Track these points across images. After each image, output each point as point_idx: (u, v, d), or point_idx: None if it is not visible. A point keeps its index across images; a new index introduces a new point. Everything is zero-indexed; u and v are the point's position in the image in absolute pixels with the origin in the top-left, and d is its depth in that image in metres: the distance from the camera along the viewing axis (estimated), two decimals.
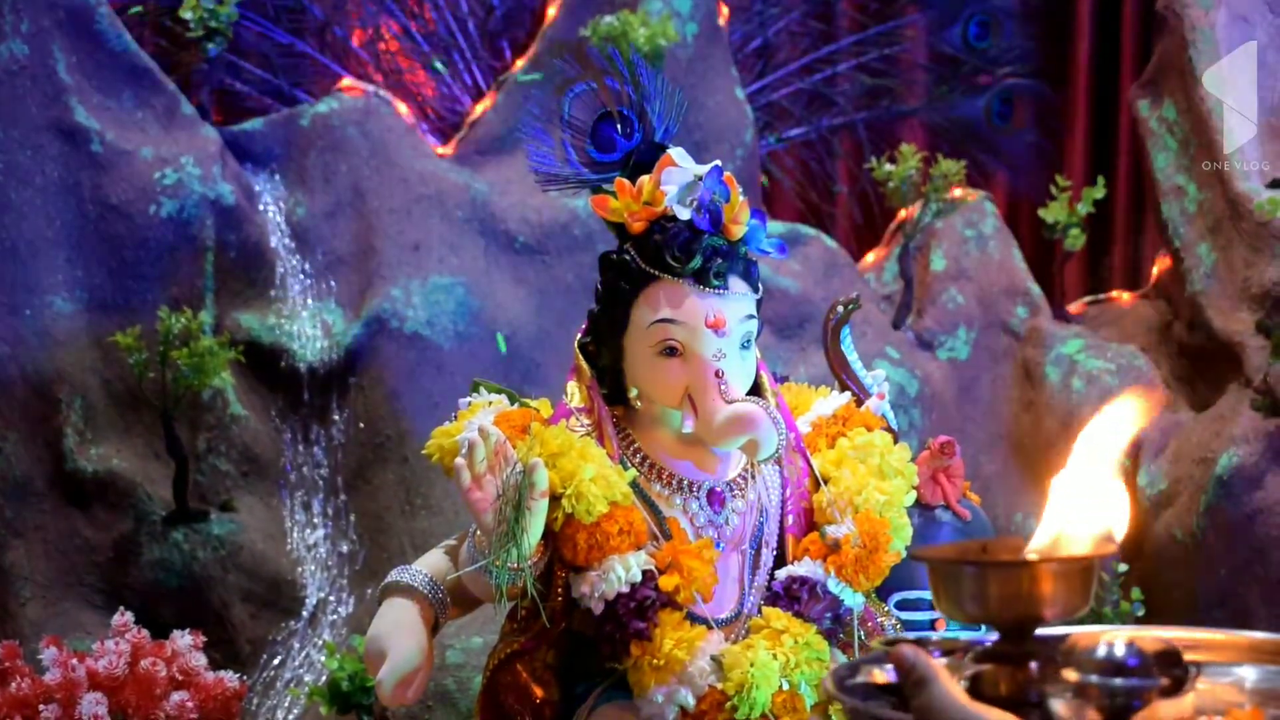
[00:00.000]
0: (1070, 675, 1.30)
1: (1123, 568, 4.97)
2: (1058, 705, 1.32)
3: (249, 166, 5.43)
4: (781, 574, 2.56)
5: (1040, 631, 1.43)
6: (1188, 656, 1.43)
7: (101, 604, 4.71)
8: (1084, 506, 1.46)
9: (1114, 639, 1.29)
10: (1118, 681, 1.27)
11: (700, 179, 2.48)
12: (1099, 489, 1.47)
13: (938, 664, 1.32)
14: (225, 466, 4.95)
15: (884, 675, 1.41)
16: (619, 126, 2.60)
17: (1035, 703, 1.36)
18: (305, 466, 5.11)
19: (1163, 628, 1.56)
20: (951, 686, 1.30)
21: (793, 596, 2.51)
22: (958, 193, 5.79)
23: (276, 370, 5.08)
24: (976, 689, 1.40)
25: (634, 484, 2.51)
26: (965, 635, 1.59)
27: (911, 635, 1.61)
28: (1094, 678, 1.28)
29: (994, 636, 1.46)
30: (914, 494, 2.65)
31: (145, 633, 3.99)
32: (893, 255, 6.03)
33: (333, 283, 5.27)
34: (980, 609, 1.44)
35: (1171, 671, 1.30)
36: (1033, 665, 1.40)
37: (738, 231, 2.50)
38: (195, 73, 5.70)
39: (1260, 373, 4.91)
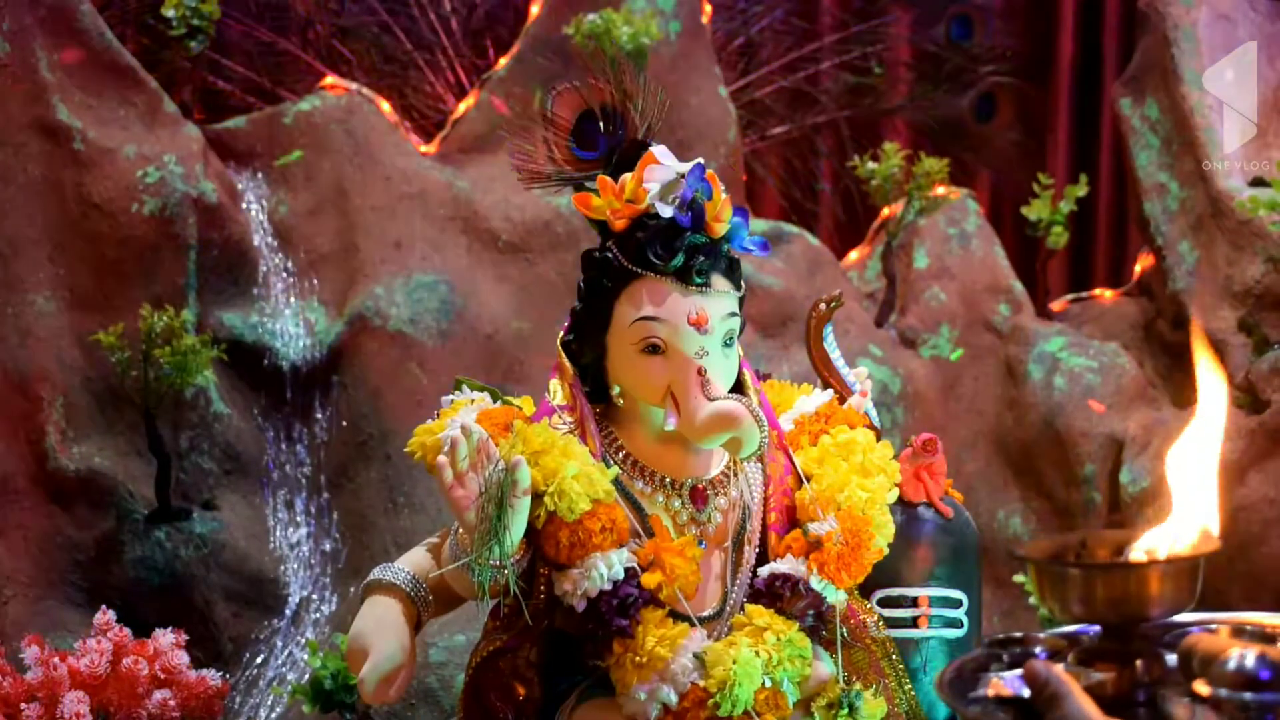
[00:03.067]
0: (1201, 689, 1.30)
1: None
2: (1177, 709, 1.32)
3: (231, 164, 5.42)
4: (764, 571, 2.56)
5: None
6: None
7: (83, 602, 4.70)
8: (1184, 505, 1.46)
9: (1245, 652, 1.29)
10: (1251, 697, 1.27)
11: (683, 177, 2.48)
12: (1200, 488, 1.47)
13: (1070, 678, 1.32)
14: (208, 465, 4.94)
15: (1006, 688, 1.42)
16: (602, 124, 2.60)
17: (1143, 702, 1.37)
18: (288, 465, 5.10)
19: (1268, 614, 1.55)
20: (1085, 702, 1.30)
21: (775, 594, 2.51)
22: (940, 191, 5.79)
23: (259, 368, 5.08)
24: (1087, 691, 1.39)
25: (616, 481, 2.51)
26: (1062, 632, 1.58)
27: (1017, 635, 1.59)
28: (1226, 692, 1.28)
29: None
30: (896, 491, 2.65)
31: (127, 631, 3.98)
32: (876, 253, 6.04)
33: (315, 281, 5.26)
34: (1087, 610, 1.44)
35: None
36: (1139, 663, 1.41)
37: (720, 229, 2.50)
38: (178, 71, 5.69)
39: (1242, 370, 4.92)
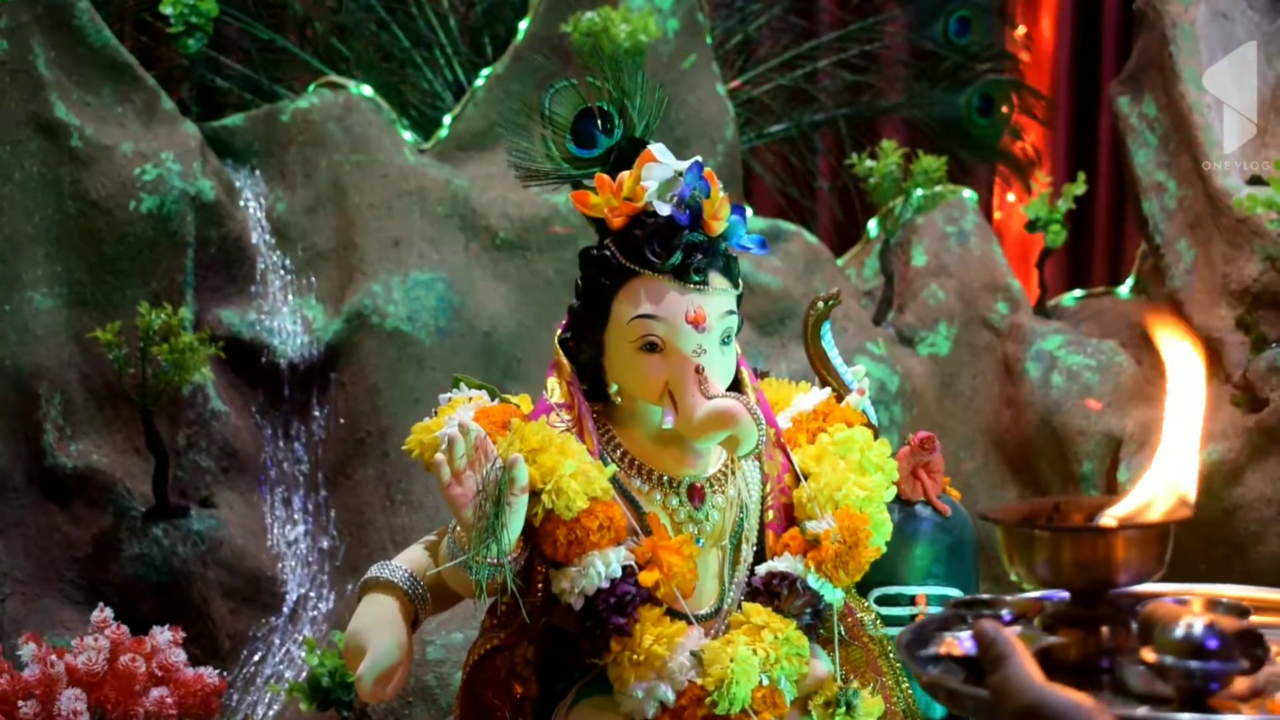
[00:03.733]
0: (1148, 655, 1.30)
1: None
2: (1131, 676, 1.32)
3: (229, 162, 5.42)
4: (761, 569, 2.56)
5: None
6: (1267, 618, 1.48)
7: (81, 600, 4.70)
8: (1160, 472, 1.46)
9: (1193, 620, 1.28)
10: (1195, 665, 1.27)
11: (681, 175, 2.48)
12: (1179, 454, 1.47)
13: (1016, 640, 1.32)
14: (205, 462, 4.94)
15: (959, 647, 1.41)
16: (600, 122, 2.60)
17: (1107, 669, 1.37)
18: (286, 462, 5.10)
19: (1246, 588, 1.56)
20: (1028, 664, 1.29)
21: (772, 592, 2.52)
22: (939, 189, 5.79)
23: (257, 366, 5.08)
24: (1048, 655, 1.40)
25: (614, 479, 2.51)
26: (1032, 596, 1.57)
27: (985, 597, 1.60)
28: (1171, 659, 1.28)
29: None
30: (894, 490, 2.65)
31: (125, 629, 3.98)
32: (873, 251, 6.04)
33: (313, 278, 5.26)
34: (1054, 574, 1.44)
35: (1252, 652, 1.29)
36: (1104, 630, 1.41)
37: (718, 227, 2.50)
38: (175, 68, 5.70)
39: (1240, 368, 4.92)
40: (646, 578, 2.45)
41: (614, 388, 2.56)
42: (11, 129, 4.91)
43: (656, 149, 2.53)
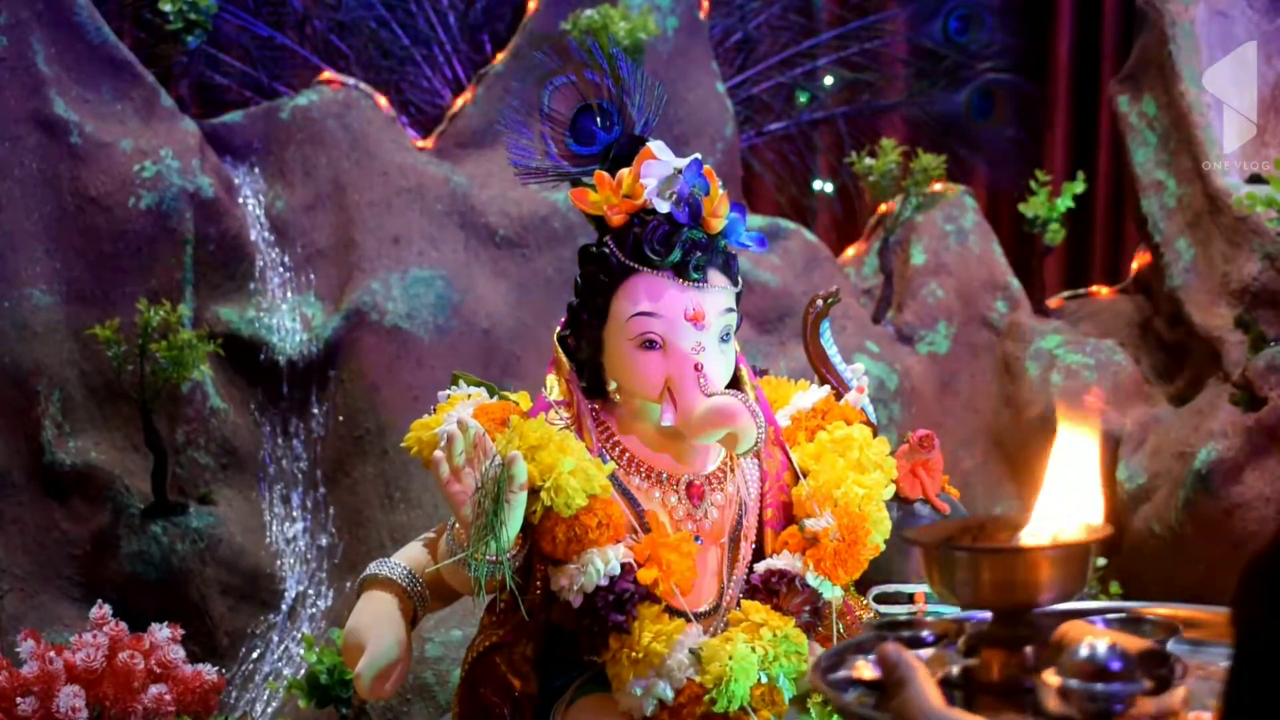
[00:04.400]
0: (1051, 679, 1.29)
1: (1101, 561, 4.98)
2: (1049, 697, 1.31)
3: (228, 159, 5.41)
4: (760, 567, 2.56)
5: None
6: (1190, 634, 1.46)
7: (80, 597, 4.70)
8: (1071, 495, 1.46)
9: (1096, 641, 1.28)
10: (1099, 687, 1.26)
11: (680, 172, 2.48)
12: (1083, 481, 1.47)
13: (919, 664, 1.32)
14: (204, 459, 4.94)
15: (869, 671, 1.41)
16: (599, 120, 2.60)
17: (1029, 689, 1.36)
18: (284, 460, 5.10)
19: (1170, 605, 1.55)
20: (929, 688, 1.30)
21: (771, 590, 2.52)
22: (938, 187, 5.79)
23: (256, 363, 5.07)
24: (971, 676, 1.41)
25: (613, 477, 2.51)
26: (953, 613, 1.58)
27: (903, 616, 1.61)
28: (1074, 682, 1.27)
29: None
30: (893, 488, 2.65)
31: (123, 625, 3.98)
32: (873, 249, 6.04)
33: (312, 276, 5.26)
34: (974, 594, 1.43)
35: (1156, 672, 1.29)
36: (1027, 650, 1.40)
37: (717, 225, 2.50)
38: (175, 65, 5.69)
39: (1239, 367, 4.92)
40: (645, 575, 2.45)
41: (613, 385, 2.57)
42: (10, 126, 4.91)
43: (656, 146, 2.53)
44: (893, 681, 1.32)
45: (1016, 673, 1.40)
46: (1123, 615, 1.50)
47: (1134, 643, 1.31)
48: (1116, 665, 1.26)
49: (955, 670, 1.42)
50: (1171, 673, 1.30)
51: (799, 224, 6.19)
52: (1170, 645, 1.40)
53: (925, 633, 1.52)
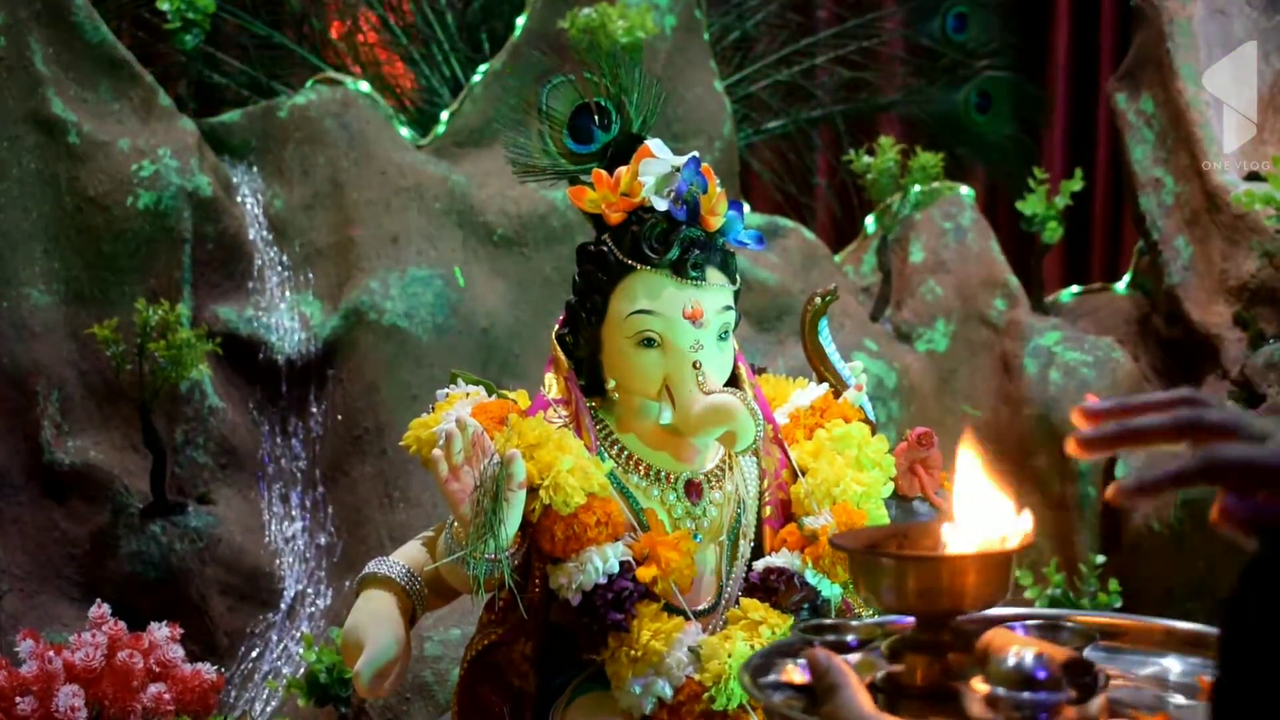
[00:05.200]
0: (980, 687, 1.31)
1: (1100, 559, 4.99)
2: (972, 703, 1.33)
3: (227, 158, 5.42)
4: (759, 565, 2.56)
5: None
6: (1113, 644, 1.51)
7: (79, 596, 4.70)
8: (995, 504, 1.48)
9: (1023, 650, 1.30)
10: (1025, 695, 1.28)
11: (678, 170, 2.48)
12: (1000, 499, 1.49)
13: (849, 670, 1.33)
14: (203, 459, 4.94)
15: (800, 674, 1.43)
16: (597, 118, 2.60)
17: (953, 694, 1.38)
18: (283, 459, 5.10)
19: (1093, 613, 1.58)
20: (860, 694, 1.30)
21: (770, 588, 2.51)
22: (936, 185, 5.79)
23: (254, 362, 5.08)
24: (895, 681, 1.42)
25: (611, 475, 2.51)
26: (880, 621, 1.59)
27: (829, 621, 1.62)
28: (1001, 691, 1.29)
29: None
30: (891, 485, 2.65)
31: (122, 625, 3.98)
32: (871, 247, 6.04)
33: (311, 275, 5.26)
34: (899, 601, 1.44)
35: (1080, 681, 1.31)
36: (950, 656, 1.42)
37: (715, 223, 2.50)
38: (173, 64, 5.70)
39: (1238, 364, 4.93)
40: (644, 573, 2.44)
41: (611, 383, 2.56)
42: (9, 125, 4.91)
43: (654, 144, 2.53)
44: (824, 687, 1.33)
45: (939, 678, 1.41)
46: (1041, 622, 1.52)
47: (1059, 652, 1.33)
48: (1042, 674, 1.28)
49: (880, 675, 1.43)
50: (1094, 681, 1.32)
51: (797, 222, 6.20)
52: (1087, 652, 1.43)
53: (850, 637, 1.54)
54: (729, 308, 2.53)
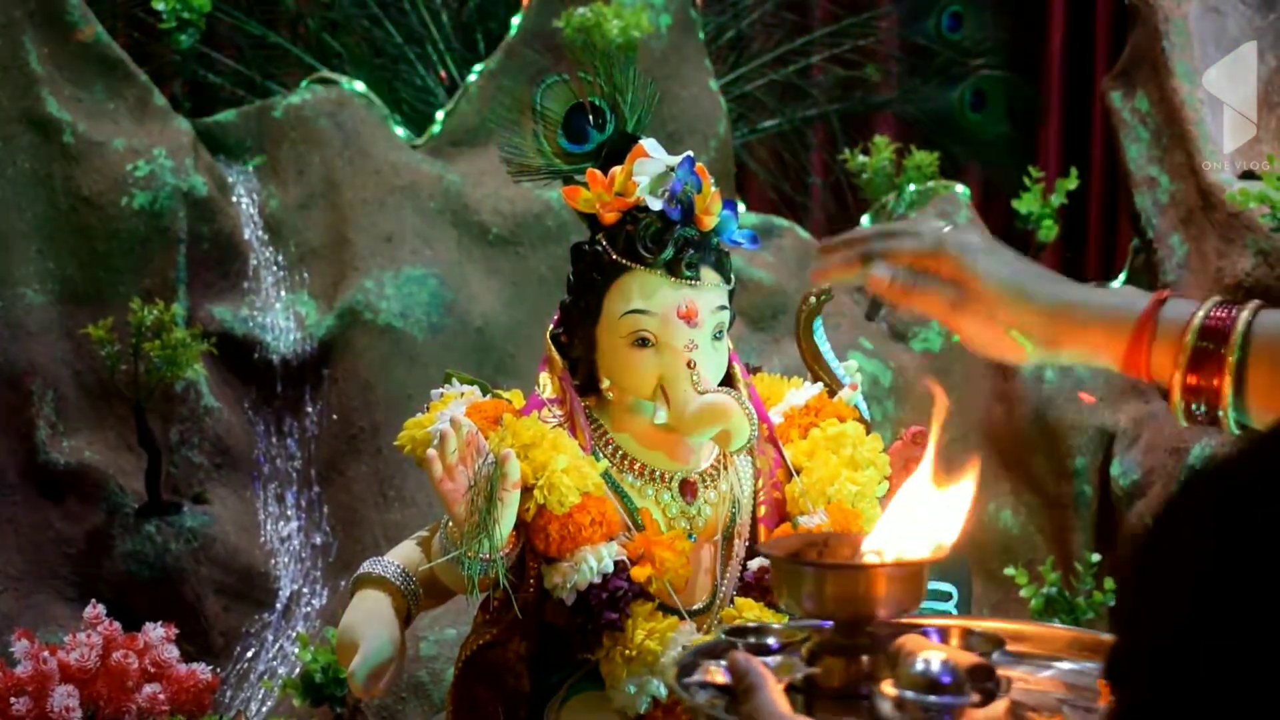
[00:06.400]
0: (889, 690, 1.36)
1: (1096, 558, 4.99)
2: (884, 705, 1.38)
3: (222, 158, 5.42)
4: (754, 564, 2.56)
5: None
6: (1014, 648, 1.59)
7: (74, 596, 4.70)
8: (920, 514, 1.55)
9: (930, 655, 1.35)
10: (931, 699, 1.33)
11: (673, 170, 2.47)
12: (936, 501, 1.54)
13: (768, 673, 1.38)
14: (198, 459, 4.94)
15: (722, 675, 1.48)
16: (591, 117, 2.60)
17: (866, 695, 1.44)
18: (278, 458, 5.10)
19: (994, 620, 1.66)
20: (777, 696, 1.35)
21: (765, 587, 2.51)
22: (931, 184, 5.79)
23: (249, 362, 5.08)
24: (813, 683, 1.48)
25: (606, 475, 2.51)
26: (800, 624, 1.65)
27: (752, 625, 1.69)
28: (909, 693, 1.34)
29: None
30: (886, 485, 2.65)
31: (117, 625, 3.98)
32: None
33: (306, 274, 5.26)
34: (818, 606, 1.51)
35: (984, 685, 1.37)
36: (865, 659, 1.48)
37: (710, 222, 2.49)
38: (168, 64, 5.70)
39: None
40: (639, 573, 2.44)
41: (606, 383, 2.56)
42: (3, 125, 4.92)
43: (648, 144, 2.52)
44: (743, 688, 1.38)
45: (854, 680, 1.48)
46: (949, 628, 1.58)
47: (964, 658, 1.39)
48: (947, 679, 1.34)
49: (798, 676, 1.49)
50: (997, 686, 1.38)
51: (792, 221, 6.20)
52: (996, 657, 1.50)
53: (771, 640, 1.60)
54: (724, 307, 2.52)
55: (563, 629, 2.54)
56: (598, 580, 2.43)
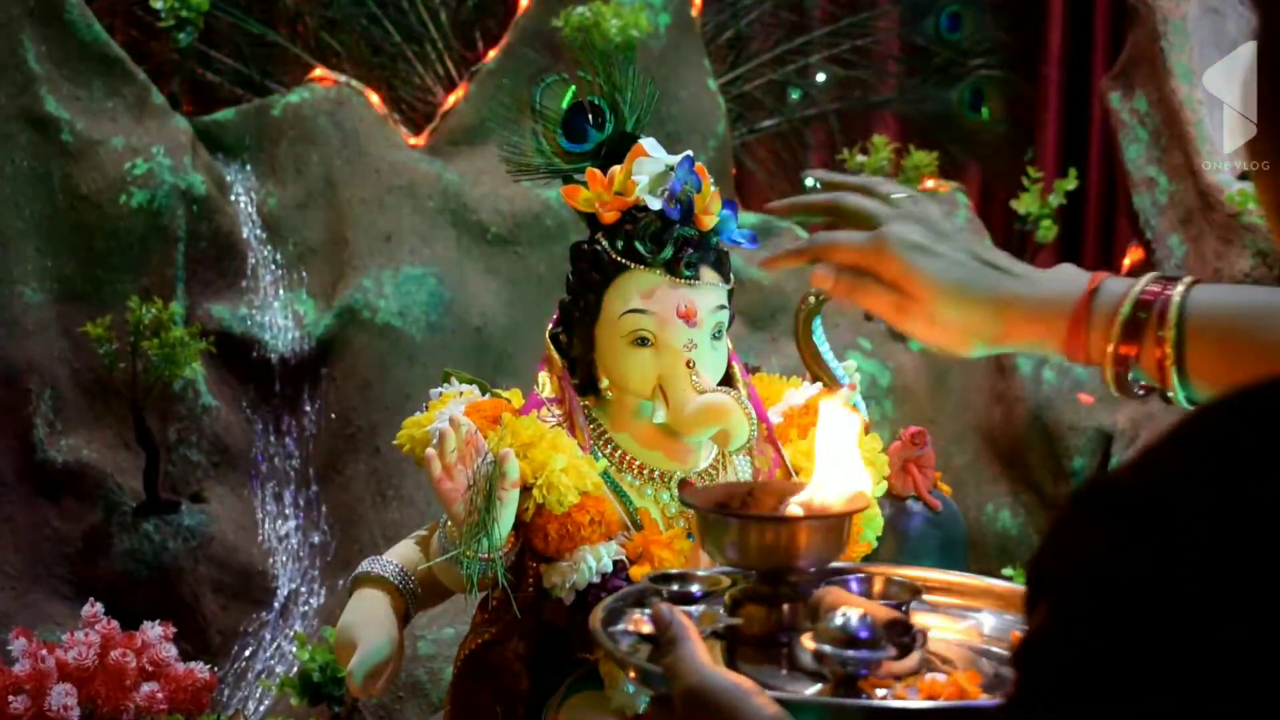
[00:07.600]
0: (808, 644, 1.40)
1: None
2: (802, 654, 1.43)
3: (220, 157, 5.42)
4: None
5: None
6: (937, 598, 1.67)
7: (71, 595, 4.70)
8: (841, 469, 1.61)
9: (849, 610, 1.39)
10: (849, 653, 1.37)
11: (672, 169, 2.47)
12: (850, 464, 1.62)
13: (690, 625, 1.42)
14: (196, 457, 4.94)
15: (647, 625, 1.51)
16: (591, 117, 2.60)
17: (785, 643, 1.50)
18: (276, 457, 5.10)
19: (919, 569, 1.75)
20: (699, 647, 1.39)
21: None
22: (930, 184, 5.79)
23: (248, 361, 5.08)
24: (735, 631, 1.54)
25: (605, 474, 2.51)
26: (722, 571, 1.69)
27: (675, 572, 1.71)
28: (828, 647, 1.38)
29: None
30: (885, 484, 2.65)
31: (115, 624, 3.98)
32: None
33: (304, 273, 5.26)
34: (741, 556, 1.57)
35: (900, 640, 1.41)
36: (785, 608, 1.54)
37: (709, 222, 2.49)
38: (166, 62, 5.69)
39: None
40: (638, 573, 2.44)
41: (605, 382, 2.56)
42: (2, 123, 4.91)
43: (647, 143, 2.52)
44: (666, 639, 1.41)
45: (775, 628, 1.55)
46: (870, 577, 1.65)
47: (882, 612, 1.43)
48: (865, 634, 1.38)
49: (720, 625, 1.54)
50: (913, 640, 1.43)
51: (791, 221, 6.19)
52: (915, 605, 1.58)
53: (694, 587, 1.64)
54: (723, 307, 2.52)
55: (562, 628, 2.54)
56: (597, 579, 2.43)
